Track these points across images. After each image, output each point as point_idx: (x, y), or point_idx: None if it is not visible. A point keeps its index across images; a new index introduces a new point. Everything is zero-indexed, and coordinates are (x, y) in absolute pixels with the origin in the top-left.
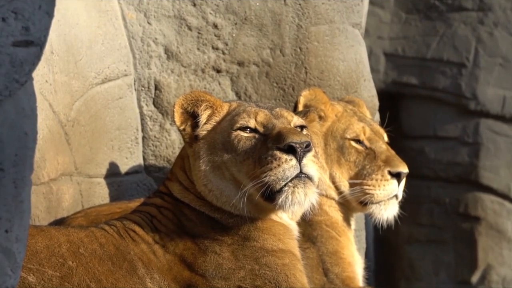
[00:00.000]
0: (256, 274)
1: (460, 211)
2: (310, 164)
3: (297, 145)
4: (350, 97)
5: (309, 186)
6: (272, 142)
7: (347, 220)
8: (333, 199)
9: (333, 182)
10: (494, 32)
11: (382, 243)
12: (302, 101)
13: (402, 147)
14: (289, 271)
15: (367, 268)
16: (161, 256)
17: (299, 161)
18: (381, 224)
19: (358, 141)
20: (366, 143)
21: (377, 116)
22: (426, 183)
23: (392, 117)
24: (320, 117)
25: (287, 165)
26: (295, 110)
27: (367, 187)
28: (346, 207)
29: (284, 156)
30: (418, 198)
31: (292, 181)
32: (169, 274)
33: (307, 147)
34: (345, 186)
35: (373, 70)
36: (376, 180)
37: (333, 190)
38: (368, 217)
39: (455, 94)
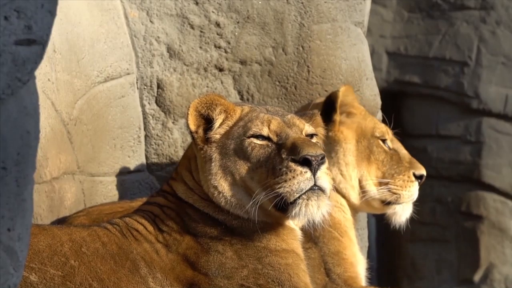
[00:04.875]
0: (259, 273)
1: (463, 210)
2: (324, 176)
3: (313, 158)
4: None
5: (322, 199)
6: (287, 153)
7: (349, 220)
8: (348, 200)
9: (360, 181)
10: (497, 31)
11: (384, 242)
12: (341, 96)
13: (404, 146)
14: (292, 270)
15: (369, 269)
16: (164, 255)
17: (314, 173)
18: (398, 226)
19: (384, 140)
20: (389, 143)
21: (380, 115)
22: (429, 182)
23: (394, 116)
24: (350, 114)
25: (302, 178)
26: (329, 105)
27: (395, 187)
28: (353, 207)
29: (299, 169)
30: (420, 196)
31: (306, 194)
32: (171, 273)
33: (322, 160)
34: (370, 186)
35: (376, 68)
36: (404, 181)
37: (356, 191)
38: (372, 217)
39: (458, 93)
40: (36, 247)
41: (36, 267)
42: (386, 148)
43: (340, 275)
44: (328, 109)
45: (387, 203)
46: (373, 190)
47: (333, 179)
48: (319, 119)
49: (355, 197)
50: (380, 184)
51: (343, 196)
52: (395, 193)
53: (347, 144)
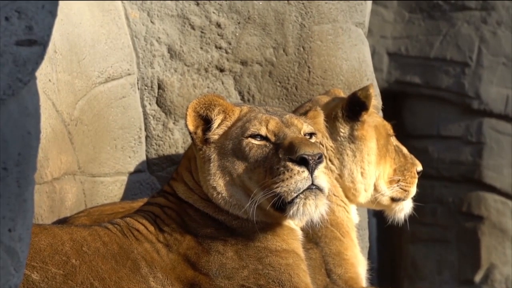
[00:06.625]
0: (260, 273)
1: (463, 210)
2: (322, 176)
3: (310, 157)
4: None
5: (320, 198)
6: (284, 152)
7: (352, 221)
8: (354, 199)
9: (376, 180)
10: (498, 32)
11: (385, 242)
12: (373, 96)
13: (405, 146)
14: (293, 271)
15: (370, 269)
16: (165, 255)
17: (311, 173)
18: (401, 222)
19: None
20: (393, 140)
21: (381, 115)
22: (430, 183)
23: (395, 116)
24: (367, 112)
25: (299, 177)
26: (353, 104)
27: (405, 184)
28: (357, 205)
29: (297, 168)
30: (421, 197)
31: (304, 193)
32: (172, 273)
33: (319, 159)
34: (383, 184)
35: (376, 69)
36: (411, 177)
37: (370, 190)
38: (372, 218)
39: (458, 93)
40: (38, 246)
41: (38, 265)
42: (395, 146)
43: (341, 276)
44: (352, 107)
45: (396, 200)
46: (385, 188)
47: (344, 179)
48: (312, 113)
49: (365, 196)
50: (391, 182)
51: (349, 195)
52: (405, 190)
53: (371, 143)
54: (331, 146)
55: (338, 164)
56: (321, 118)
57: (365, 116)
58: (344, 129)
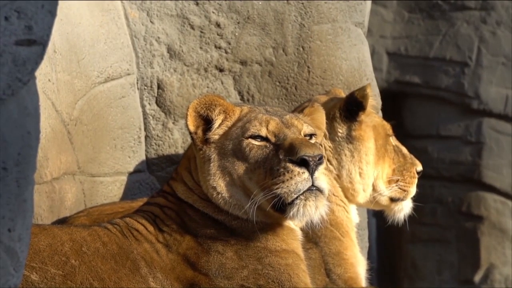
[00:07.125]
0: (259, 273)
1: (463, 210)
2: (322, 177)
3: (310, 159)
4: (334, 90)
5: (320, 199)
6: (285, 153)
7: (351, 221)
8: (353, 199)
9: (374, 180)
10: (497, 31)
11: (385, 243)
12: (371, 96)
13: (405, 146)
14: (292, 271)
15: (369, 269)
16: (164, 255)
17: (311, 174)
18: (400, 222)
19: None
20: (392, 140)
21: (380, 115)
22: (429, 182)
23: (395, 116)
24: (365, 112)
25: (300, 178)
26: (351, 104)
27: (404, 184)
28: (357, 205)
29: (297, 169)
30: (421, 197)
31: (304, 194)
32: (172, 273)
33: (320, 160)
34: (381, 184)
35: (376, 69)
36: (410, 177)
37: (368, 190)
38: (372, 218)
39: (458, 93)
40: (37, 246)
41: (37, 266)
42: (394, 146)
43: (341, 276)
44: (349, 107)
45: (395, 200)
46: (384, 188)
47: (342, 179)
48: (308, 110)
49: (363, 196)
50: (390, 182)
51: (347, 195)
52: (404, 190)
53: (369, 143)
54: (330, 146)
55: (336, 164)
56: (318, 113)
57: (363, 116)
58: (342, 129)
